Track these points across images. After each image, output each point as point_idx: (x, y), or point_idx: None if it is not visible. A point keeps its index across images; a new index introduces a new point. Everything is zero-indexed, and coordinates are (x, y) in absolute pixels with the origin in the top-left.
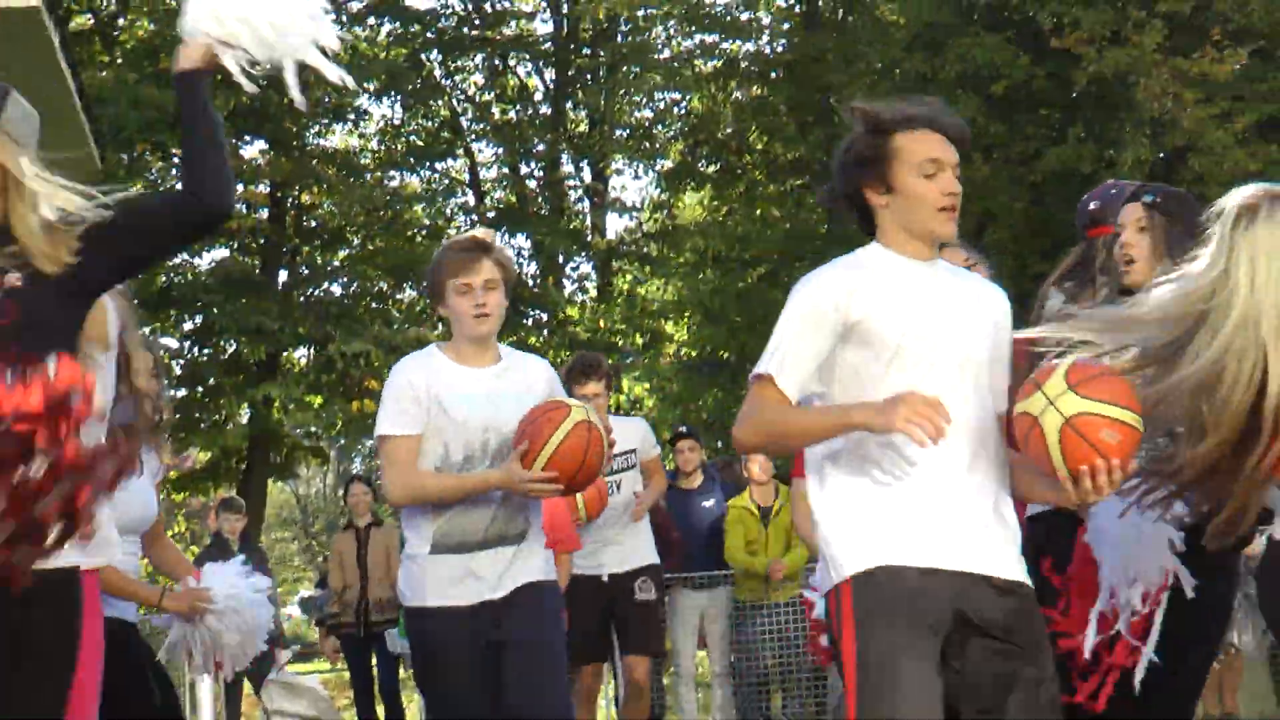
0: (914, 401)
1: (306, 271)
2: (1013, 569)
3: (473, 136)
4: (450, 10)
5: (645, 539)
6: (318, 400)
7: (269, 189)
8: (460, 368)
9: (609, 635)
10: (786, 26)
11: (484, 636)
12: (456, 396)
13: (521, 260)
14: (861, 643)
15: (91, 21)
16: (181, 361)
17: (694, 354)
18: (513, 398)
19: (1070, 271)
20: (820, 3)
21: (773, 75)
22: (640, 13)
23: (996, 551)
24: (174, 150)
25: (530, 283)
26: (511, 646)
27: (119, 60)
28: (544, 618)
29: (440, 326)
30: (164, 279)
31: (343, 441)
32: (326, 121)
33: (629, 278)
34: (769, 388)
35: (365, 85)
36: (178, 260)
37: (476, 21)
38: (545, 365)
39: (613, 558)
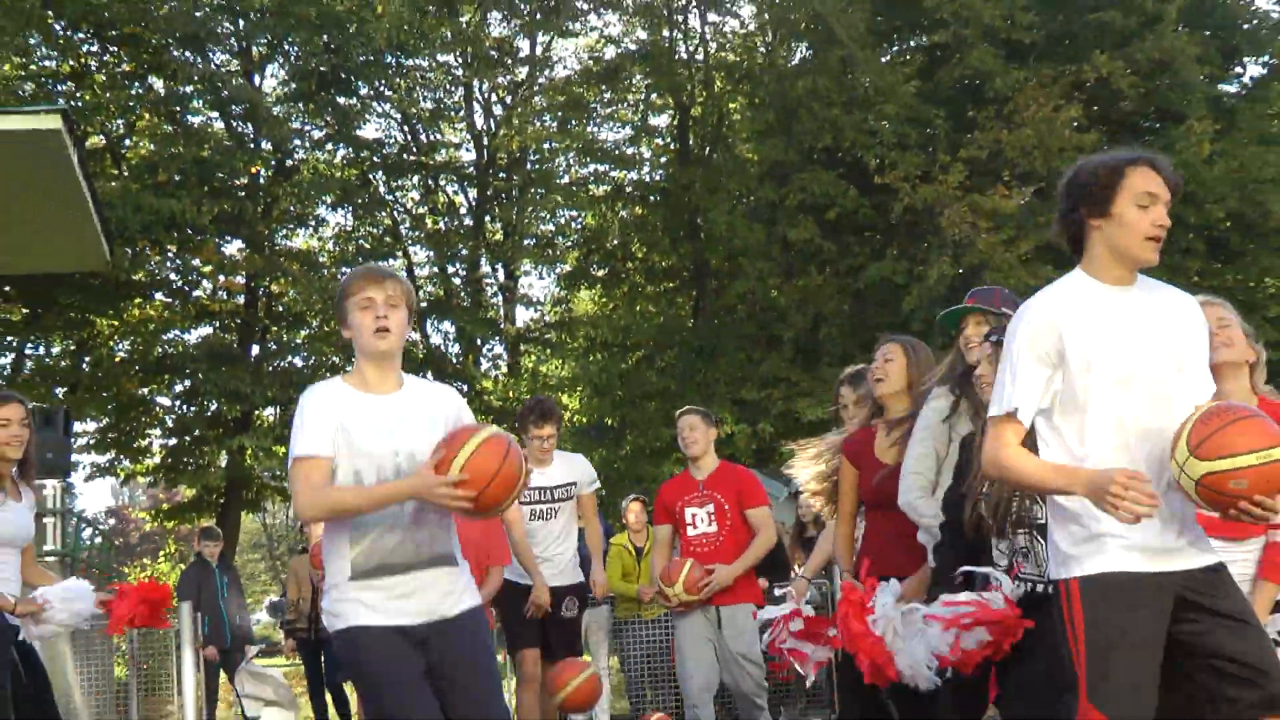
0: (1118, 483)
1: (274, 347)
2: (1204, 559)
3: (409, 242)
4: (392, 140)
5: (572, 559)
6: (282, 450)
7: (245, 280)
8: (363, 395)
9: (544, 628)
10: (664, 160)
11: (420, 657)
12: (361, 425)
13: (446, 343)
14: (1092, 632)
15: (103, 141)
16: (173, 417)
17: (584, 421)
18: (422, 420)
19: (950, 374)
20: (691, 142)
21: (651, 199)
22: (546, 145)
23: (1189, 552)
24: (169, 247)
25: (454, 360)
26: (449, 665)
27: (125, 173)
28: (479, 643)
29: None
30: (159, 350)
31: None
32: (292, 227)
33: (533, 358)
34: (1003, 426)
35: (323, 199)
36: (170, 335)
37: (413, 149)
38: (453, 394)
39: (546, 573)
